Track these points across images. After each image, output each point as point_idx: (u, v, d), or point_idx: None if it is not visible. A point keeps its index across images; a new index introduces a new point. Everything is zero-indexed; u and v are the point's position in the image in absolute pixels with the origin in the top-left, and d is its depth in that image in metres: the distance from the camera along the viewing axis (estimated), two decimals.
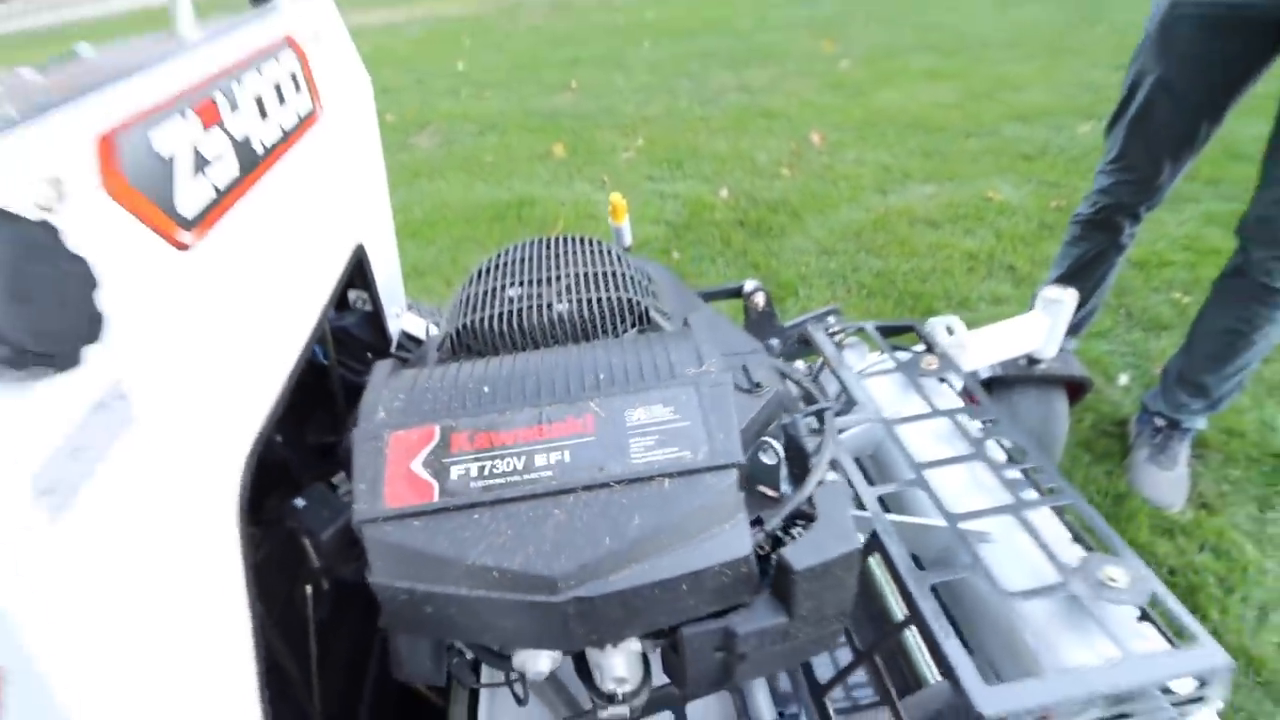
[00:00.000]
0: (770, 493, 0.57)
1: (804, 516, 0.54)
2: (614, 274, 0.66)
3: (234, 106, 0.57)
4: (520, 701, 0.59)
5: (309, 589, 0.69)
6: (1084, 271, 1.49)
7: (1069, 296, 1.18)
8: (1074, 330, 1.65)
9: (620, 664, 0.52)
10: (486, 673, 0.66)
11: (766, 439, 0.57)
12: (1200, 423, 1.42)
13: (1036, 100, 3.32)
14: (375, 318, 0.89)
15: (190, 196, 0.49)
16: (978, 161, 2.81)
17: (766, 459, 0.56)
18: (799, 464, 0.60)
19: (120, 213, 0.42)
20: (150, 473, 0.41)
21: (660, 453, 0.47)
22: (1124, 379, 1.68)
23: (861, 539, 0.56)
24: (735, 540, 0.46)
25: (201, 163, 0.51)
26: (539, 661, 0.52)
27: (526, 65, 4.94)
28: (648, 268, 0.77)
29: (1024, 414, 1.27)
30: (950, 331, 1.12)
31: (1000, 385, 1.28)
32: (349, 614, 0.79)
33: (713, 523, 0.46)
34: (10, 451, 0.31)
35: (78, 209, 0.38)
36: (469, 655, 0.60)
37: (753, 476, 0.56)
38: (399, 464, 0.47)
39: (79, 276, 0.36)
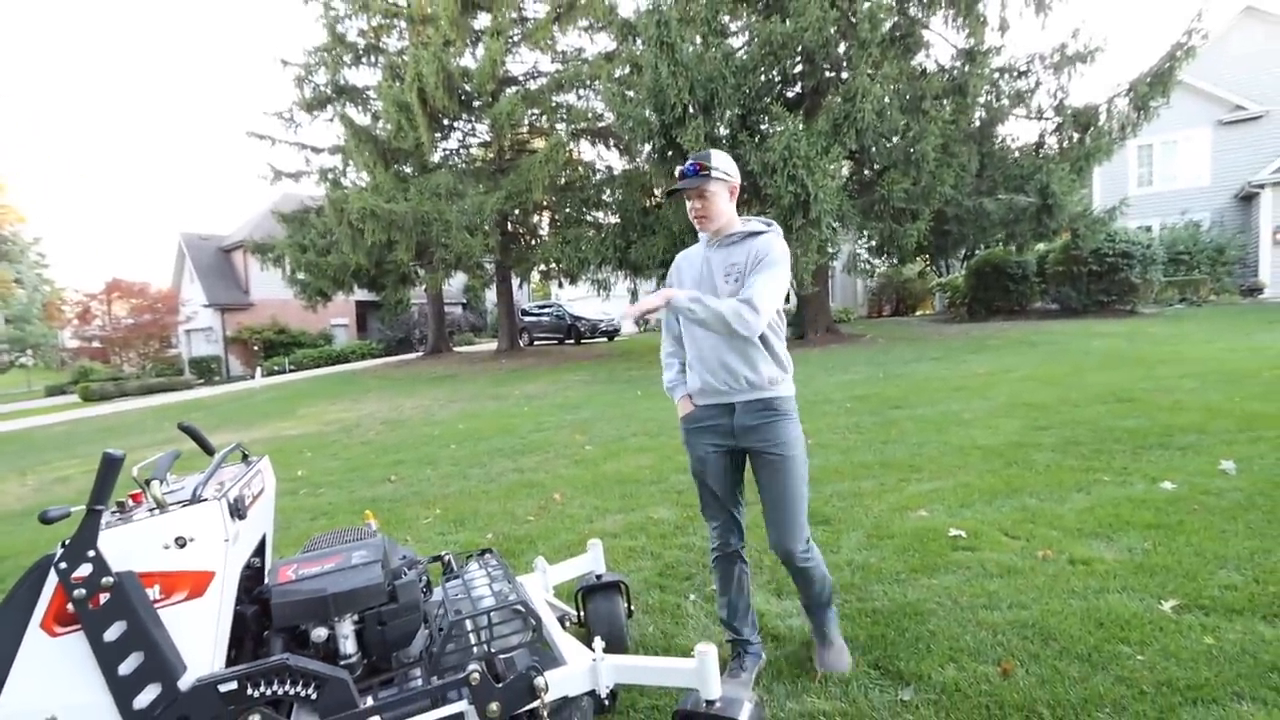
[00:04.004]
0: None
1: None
2: (361, 532, 1.96)
3: (254, 484, 1.88)
4: None
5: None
6: (727, 579, 2.36)
7: (598, 543, 2.62)
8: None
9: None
10: None
11: (402, 569, 1.84)
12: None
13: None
14: (260, 570, 2.03)
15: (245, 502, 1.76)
16: (654, 498, 4.51)
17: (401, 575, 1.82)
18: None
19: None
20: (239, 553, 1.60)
21: (359, 556, 1.72)
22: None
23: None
24: (376, 578, 1.70)
25: (244, 495, 1.79)
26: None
27: (358, 469, 6.39)
28: (379, 534, 2.06)
29: (602, 602, 2.53)
30: (541, 564, 2.48)
31: (590, 591, 2.57)
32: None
33: (374, 574, 1.70)
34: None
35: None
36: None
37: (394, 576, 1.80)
38: (285, 570, 1.66)
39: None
